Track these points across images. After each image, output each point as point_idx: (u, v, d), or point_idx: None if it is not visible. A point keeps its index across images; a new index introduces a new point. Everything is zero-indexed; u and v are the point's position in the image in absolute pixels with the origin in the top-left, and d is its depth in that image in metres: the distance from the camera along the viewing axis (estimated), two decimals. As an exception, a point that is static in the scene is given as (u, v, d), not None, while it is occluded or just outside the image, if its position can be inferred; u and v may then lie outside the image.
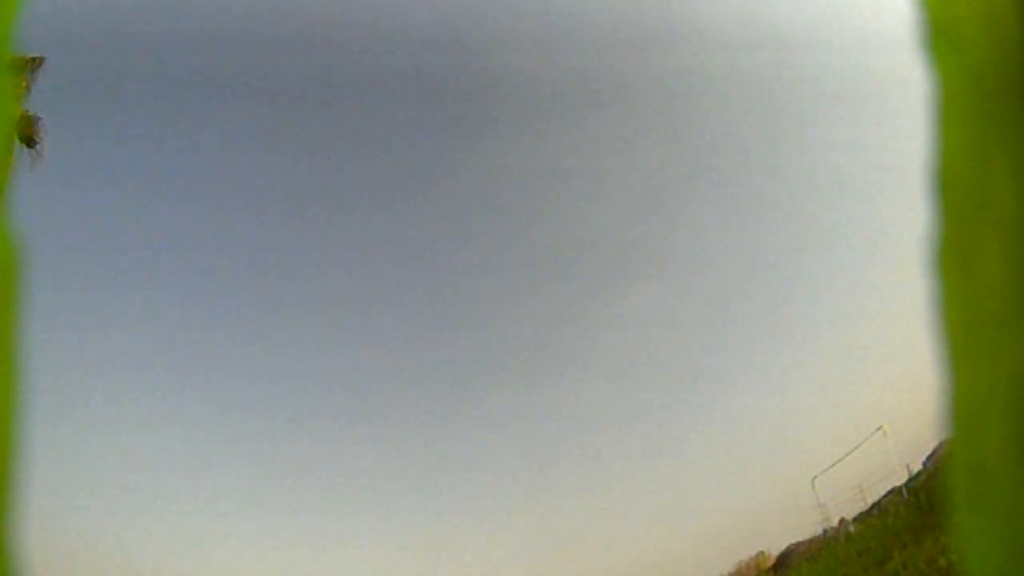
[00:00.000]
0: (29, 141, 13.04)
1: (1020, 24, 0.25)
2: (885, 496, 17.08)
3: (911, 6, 0.26)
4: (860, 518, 17.08)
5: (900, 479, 16.92)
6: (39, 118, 13.16)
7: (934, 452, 16.35)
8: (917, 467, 16.82)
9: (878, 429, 17.60)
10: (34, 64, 13.19)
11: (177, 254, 33.71)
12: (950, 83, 0.25)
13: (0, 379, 0.26)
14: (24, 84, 13.04)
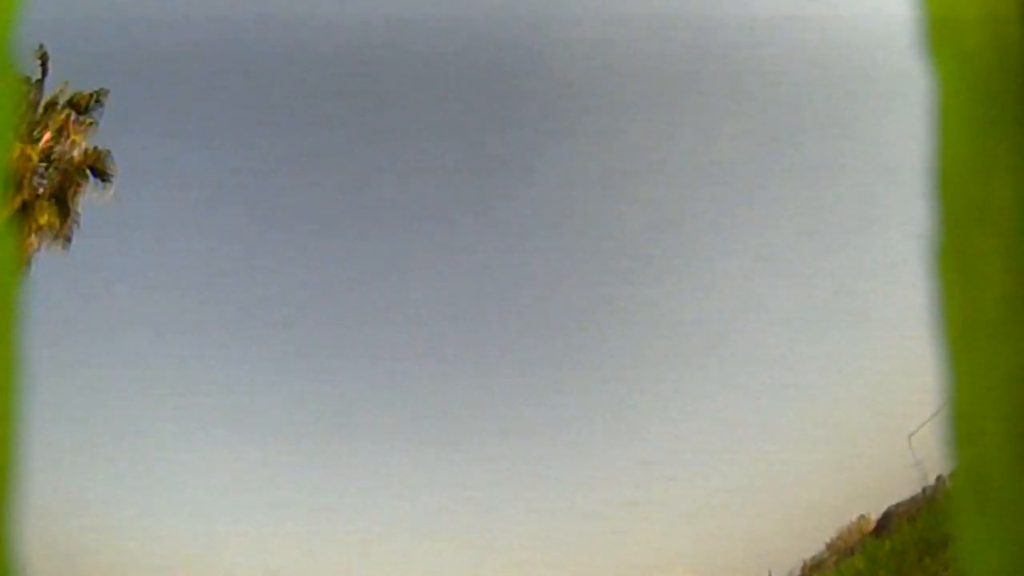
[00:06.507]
0: (103, 176, 13.06)
1: (1020, 24, 0.25)
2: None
3: (911, 6, 0.26)
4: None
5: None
6: (110, 152, 13.11)
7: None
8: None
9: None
10: (99, 97, 13.18)
11: (181, 254, 33.73)
12: (950, 83, 0.25)
13: (0, 379, 0.26)
14: (91, 120, 13.05)
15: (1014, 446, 0.24)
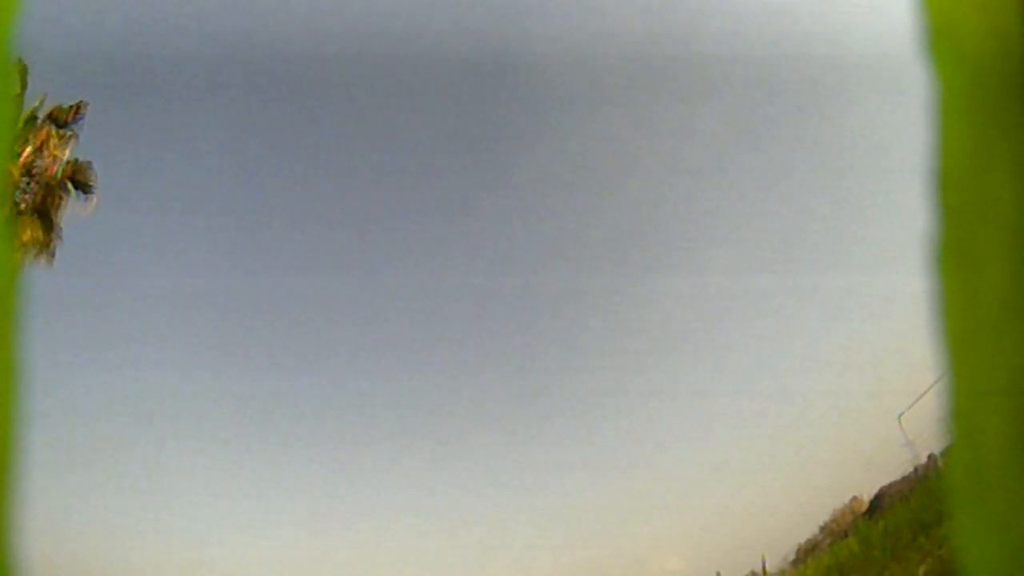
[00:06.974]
0: (84, 187, 13.00)
1: (1020, 24, 0.25)
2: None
3: (911, 6, 0.26)
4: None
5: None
6: (91, 163, 13.06)
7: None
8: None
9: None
10: (77, 110, 13.11)
11: (189, 255, 33.51)
12: (950, 83, 0.25)
13: (1, 380, 0.26)
14: (72, 133, 13.01)
15: (1014, 445, 0.24)
